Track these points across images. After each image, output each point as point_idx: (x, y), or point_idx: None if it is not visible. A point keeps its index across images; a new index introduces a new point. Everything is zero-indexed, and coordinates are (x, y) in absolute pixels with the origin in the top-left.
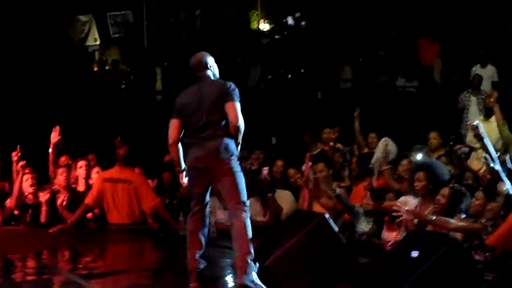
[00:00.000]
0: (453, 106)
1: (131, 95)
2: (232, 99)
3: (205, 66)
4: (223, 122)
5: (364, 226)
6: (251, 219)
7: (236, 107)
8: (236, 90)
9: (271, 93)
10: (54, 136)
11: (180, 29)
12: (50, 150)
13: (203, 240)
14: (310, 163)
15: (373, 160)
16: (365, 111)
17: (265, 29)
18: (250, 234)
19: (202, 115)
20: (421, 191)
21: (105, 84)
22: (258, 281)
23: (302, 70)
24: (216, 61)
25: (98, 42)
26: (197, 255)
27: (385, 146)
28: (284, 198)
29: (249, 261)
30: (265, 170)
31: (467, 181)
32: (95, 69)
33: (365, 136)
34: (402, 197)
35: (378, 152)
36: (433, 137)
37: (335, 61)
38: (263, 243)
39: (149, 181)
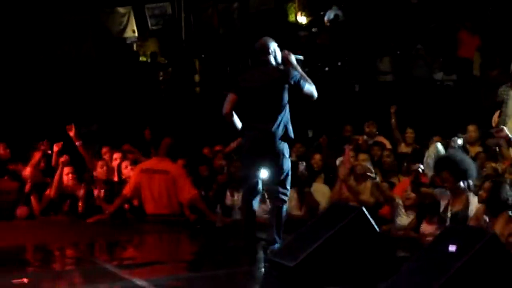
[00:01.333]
0: (492, 100)
1: (169, 87)
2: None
3: (268, 51)
4: (281, 108)
5: (403, 220)
6: (287, 213)
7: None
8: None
9: None
10: (70, 131)
11: (218, 21)
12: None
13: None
14: (351, 154)
15: (424, 166)
16: (402, 105)
17: (302, 22)
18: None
19: (262, 99)
20: (452, 188)
21: (143, 76)
22: None
23: (339, 63)
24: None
25: (136, 34)
26: None
27: (437, 152)
28: (322, 193)
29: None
30: (302, 165)
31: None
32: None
33: (402, 131)
34: (437, 189)
35: (430, 158)
36: (472, 130)
37: (373, 54)
38: (298, 237)
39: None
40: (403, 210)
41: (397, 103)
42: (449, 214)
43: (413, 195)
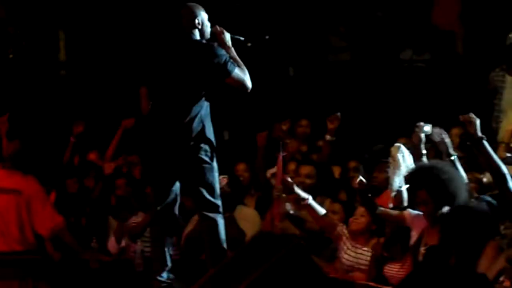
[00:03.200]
0: (480, 88)
1: (22, 69)
2: None
3: (194, 23)
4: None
5: (349, 257)
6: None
7: None
8: None
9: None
10: None
11: None
12: None
13: None
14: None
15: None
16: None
17: None
18: None
19: (174, 83)
20: (429, 214)
21: None
22: None
23: (267, 37)
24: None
25: None
26: None
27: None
28: (248, 218)
29: None
30: (224, 179)
31: None
32: None
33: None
34: (408, 211)
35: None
36: (456, 134)
37: (318, 26)
38: (222, 271)
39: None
40: (348, 243)
41: (349, 91)
42: (422, 249)
43: (362, 219)
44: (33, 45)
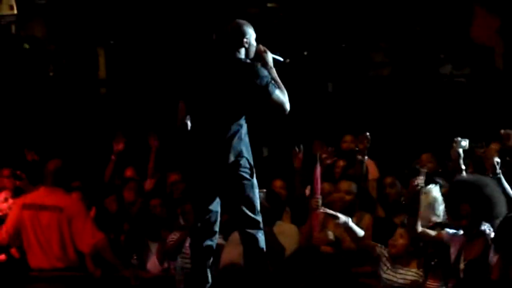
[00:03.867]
0: None
1: (62, 87)
2: None
3: (241, 41)
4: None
5: (389, 276)
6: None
7: None
8: None
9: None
10: None
11: None
12: None
13: None
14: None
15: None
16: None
17: None
18: None
19: (216, 101)
20: (468, 228)
21: (26, 71)
22: None
23: (305, 53)
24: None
25: (15, 11)
26: None
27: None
28: (287, 233)
29: None
30: (262, 194)
31: None
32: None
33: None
34: (445, 231)
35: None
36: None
37: (359, 41)
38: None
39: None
40: (388, 264)
41: (386, 107)
42: (462, 265)
43: (400, 241)
44: (73, 63)
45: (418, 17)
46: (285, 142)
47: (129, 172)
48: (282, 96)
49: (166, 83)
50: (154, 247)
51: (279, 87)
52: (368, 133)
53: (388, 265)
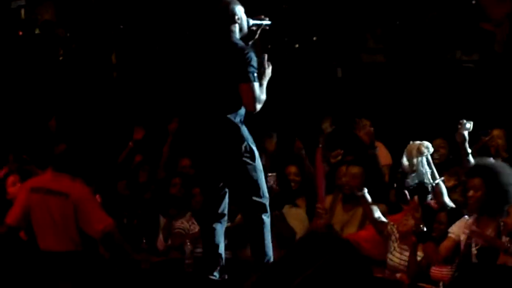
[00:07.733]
0: None
1: (72, 71)
2: None
3: (233, 19)
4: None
5: (395, 258)
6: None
7: None
8: None
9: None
10: None
11: None
12: None
13: None
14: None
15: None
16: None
17: None
18: None
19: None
20: (478, 203)
21: (35, 55)
22: None
23: (315, 38)
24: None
25: None
26: None
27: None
28: (297, 217)
29: None
30: (272, 178)
31: None
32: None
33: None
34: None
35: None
36: (497, 136)
37: (361, 25)
38: (273, 270)
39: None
40: (395, 244)
41: (395, 93)
42: (474, 250)
43: (411, 221)
44: (84, 47)
45: (430, 3)
46: (292, 128)
47: (138, 158)
48: (258, 92)
49: (176, 69)
50: (163, 222)
51: (260, 85)
52: (368, 126)
53: (396, 245)
